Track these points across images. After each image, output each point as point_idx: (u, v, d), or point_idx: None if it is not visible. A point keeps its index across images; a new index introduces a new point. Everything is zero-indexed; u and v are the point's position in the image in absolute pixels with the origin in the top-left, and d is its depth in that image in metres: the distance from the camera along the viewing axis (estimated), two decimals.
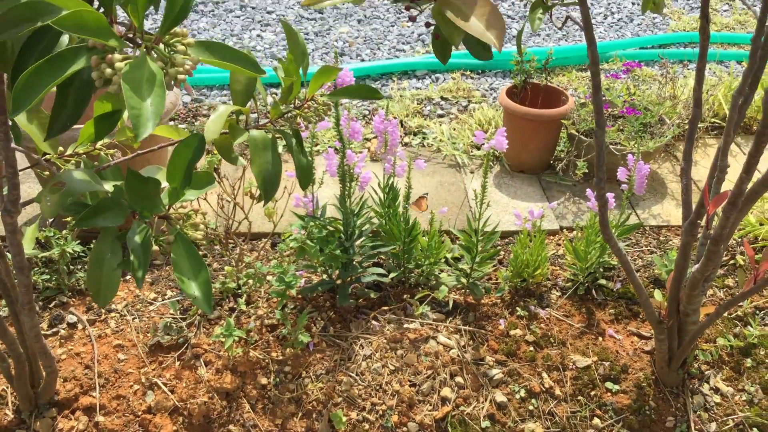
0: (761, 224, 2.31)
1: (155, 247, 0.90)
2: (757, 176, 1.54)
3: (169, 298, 1.88)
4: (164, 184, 0.94)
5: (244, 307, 1.81)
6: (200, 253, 0.95)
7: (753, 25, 3.87)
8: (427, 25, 0.96)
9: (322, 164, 2.56)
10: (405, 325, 1.85)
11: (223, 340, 1.60)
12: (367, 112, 3.03)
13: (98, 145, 1.27)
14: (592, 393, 1.77)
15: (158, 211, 0.93)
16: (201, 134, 0.91)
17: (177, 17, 0.76)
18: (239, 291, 1.87)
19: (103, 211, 0.88)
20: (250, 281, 1.81)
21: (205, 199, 1.76)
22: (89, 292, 0.92)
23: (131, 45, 0.73)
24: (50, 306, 1.82)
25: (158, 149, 1.19)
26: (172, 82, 0.68)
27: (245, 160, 1.97)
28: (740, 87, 1.43)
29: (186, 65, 0.69)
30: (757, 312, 2.07)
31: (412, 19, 0.94)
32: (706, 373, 1.87)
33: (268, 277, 1.94)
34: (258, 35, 3.64)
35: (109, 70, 0.64)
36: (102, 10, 0.72)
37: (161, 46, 0.73)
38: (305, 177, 1.13)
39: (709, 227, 1.62)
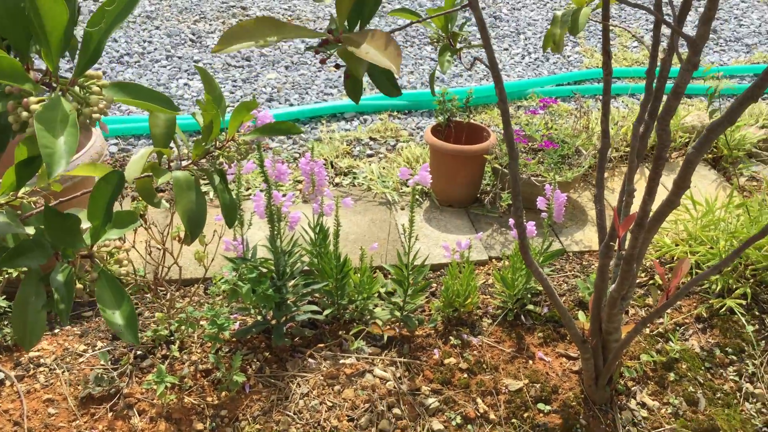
0: (676, 245, 2.44)
1: (79, 285, 0.91)
2: (662, 198, 1.65)
3: (99, 350, 1.85)
4: (87, 224, 0.96)
5: (177, 354, 1.80)
6: (128, 292, 0.95)
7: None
8: (337, 66, 1.01)
9: (251, 208, 2.58)
10: (341, 361, 1.87)
11: (156, 387, 1.59)
12: (297, 155, 3.08)
13: (20, 193, 1.27)
14: (525, 415, 1.82)
15: (80, 248, 0.94)
16: (120, 171, 0.93)
17: (90, 59, 0.79)
18: (172, 338, 1.86)
19: (25, 252, 0.89)
20: (183, 327, 1.80)
21: (133, 247, 1.75)
22: (15, 337, 0.92)
23: (48, 89, 0.75)
24: None
25: (81, 195, 1.20)
26: (87, 121, 0.71)
27: (170, 205, 1.98)
28: (639, 116, 1.54)
29: (100, 105, 0.72)
30: (677, 328, 2.18)
31: (323, 61, 0.99)
32: (633, 389, 1.95)
33: (202, 322, 1.94)
34: (185, 84, 3.66)
35: (25, 114, 0.67)
36: (18, 57, 0.74)
37: (76, 88, 0.76)
38: (230, 215, 1.16)
39: (622, 248, 1.71)
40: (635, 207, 1.63)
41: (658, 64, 1.54)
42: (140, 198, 1.82)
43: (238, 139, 1.17)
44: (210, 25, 4.52)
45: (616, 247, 1.72)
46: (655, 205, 1.48)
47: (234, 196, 1.14)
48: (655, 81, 1.54)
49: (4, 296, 1.82)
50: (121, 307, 0.90)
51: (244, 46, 0.89)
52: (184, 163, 1.14)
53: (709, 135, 1.30)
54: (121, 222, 0.97)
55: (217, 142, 1.16)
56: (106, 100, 0.74)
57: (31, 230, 0.93)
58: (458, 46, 1.36)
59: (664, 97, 1.39)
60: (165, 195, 2.62)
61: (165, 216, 2.43)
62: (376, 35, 0.88)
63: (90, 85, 0.75)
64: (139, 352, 1.83)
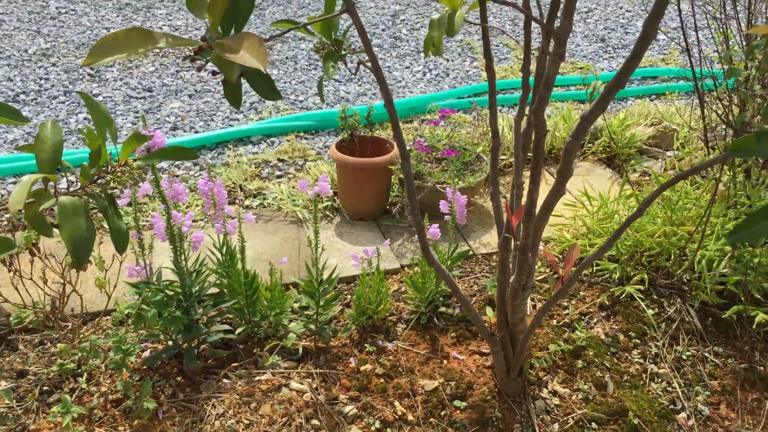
0: (576, 239, 2.55)
1: None
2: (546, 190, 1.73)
3: (2, 388, 1.78)
4: None
5: (85, 386, 1.75)
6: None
7: (571, 72, 4.32)
8: (214, 73, 1.03)
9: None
10: (257, 378, 1.86)
11: (61, 420, 1.54)
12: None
13: None
14: (443, 413, 1.86)
15: None
16: None
17: None
18: (79, 370, 1.81)
19: None
20: (88, 357, 1.75)
21: (30, 278, 1.70)
22: None
23: None
24: None
25: None
26: None
27: None
28: (519, 111, 1.62)
29: None
30: (582, 317, 2.27)
31: (199, 69, 1.01)
32: (544, 378, 2.02)
33: (110, 353, 1.89)
34: (85, 118, 3.58)
35: None
36: None
37: None
38: (121, 241, 1.14)
39: (516, 239, 1.78)
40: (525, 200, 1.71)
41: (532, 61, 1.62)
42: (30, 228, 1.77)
43: (132, 163, 1.17)
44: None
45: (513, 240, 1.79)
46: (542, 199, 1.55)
47: (123, 224, 1.13)
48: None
49: None
50: None
51: (116, 58, 0.90)
52: (72, 189, 1.13)
53: (583, 123, 1.38)
54: None
55: (109, 167, 1.16)
56: None
57: None
58: (342, 52, 1.40)
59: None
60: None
61: (61, 246, 2.36)
62: (245, 38, 0.91)
63: None
64: (45, 388, 1.77)
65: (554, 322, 2.23)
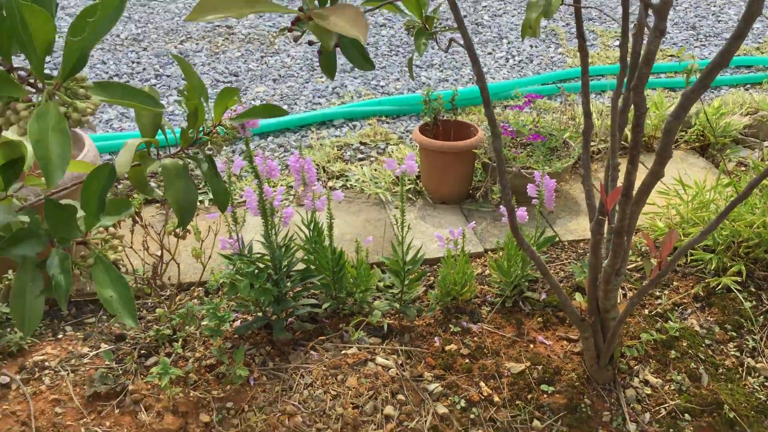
0: (669, 228, 2.47)
1: (76, 271, 0.93)
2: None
3: (102, 350, 1.86)
4: (80, 214, 0.98)
5: (180, 351, 1.81)
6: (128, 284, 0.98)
7: (661, 60, 4.18)
8: (310, 43, 1.05)
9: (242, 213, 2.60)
10: (343, 351, 1.88)
11: (159, 381, 1.60)
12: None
13: (9, 192, 1.29)
14: (529, 396, 1.84)
15: (75, 236, 0.96)
16: (111, 164, 0.95)
17: (75, 67, 0.81)
18: (174, 336, 1.87)
19: (21, 241, 0.91)
20: (184, 323, 1.81)
21: (131, 247, 1.77)
22: (15, 323, 0.94)
23: (33, 90, 0.78)
24: None
25: (72, 187, 1.22)
26: (80, 122, 0.74)
27: (165, 204, 1.99)
28: (616, 90, 1.57)
29: (88, 109, 0.75)
30: (676, 307, 2.20)
31: (296, 39, 1.02)
32: (635, 367, 1.97)
33: (203, 322, 1.95)
34: (175, 100, 3.69)
35: (14, 117, 0.69)
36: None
37: (62, 90, 0.78)
38: (222, 200, 1.18)
39: (612, 223, 1.74)
40: (621, 181, 1.66)
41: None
42: (136, 194, 1.84)
43: (226, 124, 1.19)
44: (197, 44, 4.57)
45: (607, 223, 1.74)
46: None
47: (224, 183, 1.16)
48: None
49: (5, 303, 1.83)
50: (116, 288, 0.92)
51: (218, 17, 0.91)
52: (172, 151, 1.17)
53: (684, 102, 1.32)
54: (114, 209, 1.00)
55: (204, 129, 1.19)
56: (92, 103, 0.77)
57: (25, 219, 0.96)
58: (433, 30, 1.40)
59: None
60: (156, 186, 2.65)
61: (159, 220, 2.45)
62: (344, 8, 0.92)
63: (75, 87, 0.78)
64: (143, 351, 1.84)
65: (646, 311, 2.16)
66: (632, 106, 1.39)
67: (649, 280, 1.61)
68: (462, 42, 1.37)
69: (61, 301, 0.91)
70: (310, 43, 1.08)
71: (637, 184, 1.51)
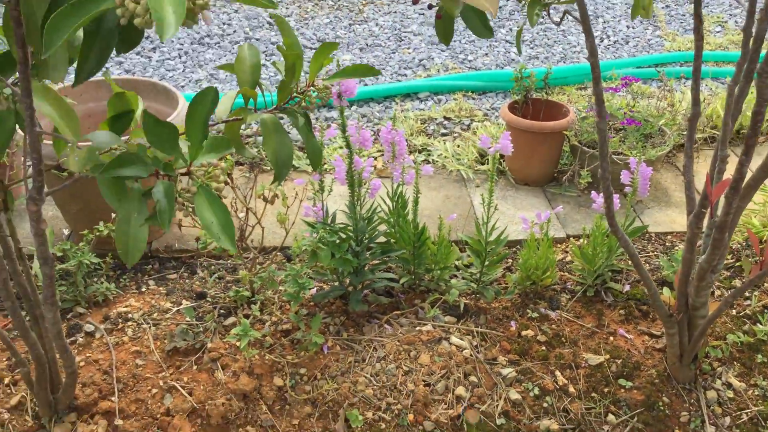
0: (764, 227, 2.34)
1: (179, 199, 0.94)
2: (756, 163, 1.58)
3: (184, 307, 1.91)
4: (184, 149, 0.99)
5: (258, 314, 1.84)
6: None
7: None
8: (430, 6, 1.02)
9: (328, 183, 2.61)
10: (417, 328, 1.87)
11: (238, 343, 1.62)
12: (373, 132, 3.09)
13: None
14: (606, 390, 1.78)
15: (178, 155, 0.97)
16: (215, 88, 0.96)
17: None
18: (253, 299, 1.90)
19: (127, 164, 0.93)
20: (264, 287, 1.83)
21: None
22: (119, 252, 0.97)
23: None
24: (68, 317, 1.85)
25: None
26: (199, 13, 0.73)
27: (253, 169, 2.00)
28: (735, 76, 1.47)
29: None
30: (766, 310, 2.09)
31: (430, 6, 1.00)
32: (718, 369, 1.88)
33: (281, 287, 1.97)
34: (263, 65, 3.73)
35: (132, 5, 0.69)
36: None
37: None
38: (315, 158, 1.18)
39: (714, 216, 1.65)
40: (728, 174, 1.57)
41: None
42: (227, 156, 1.85)
43: (319, 84, 1.19)
44: (287, 8, 4.59)
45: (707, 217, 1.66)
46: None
47: (317, 141, 1.16)
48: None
49: (94, 253, 1.90)
50: (217, 216, 0.94)
51: None
52: (269, 108, 1.17)
53: None
54: (216, 147, 1.00)
55: (299, 87, 1.19)
56: None
57: (133, 149, 0.97)
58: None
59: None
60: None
61: (243, 183, 2.48)
62: None
63: None
64: (221, 311, 1.88)
65: (733, 312, 2.06)
66: (750, 94, 1.30)
67: (749, 280, 1.53)
68: (577, 14, 1.32)
69: (165, 223, 0.94)
70: (430, 6, 1.06)
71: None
